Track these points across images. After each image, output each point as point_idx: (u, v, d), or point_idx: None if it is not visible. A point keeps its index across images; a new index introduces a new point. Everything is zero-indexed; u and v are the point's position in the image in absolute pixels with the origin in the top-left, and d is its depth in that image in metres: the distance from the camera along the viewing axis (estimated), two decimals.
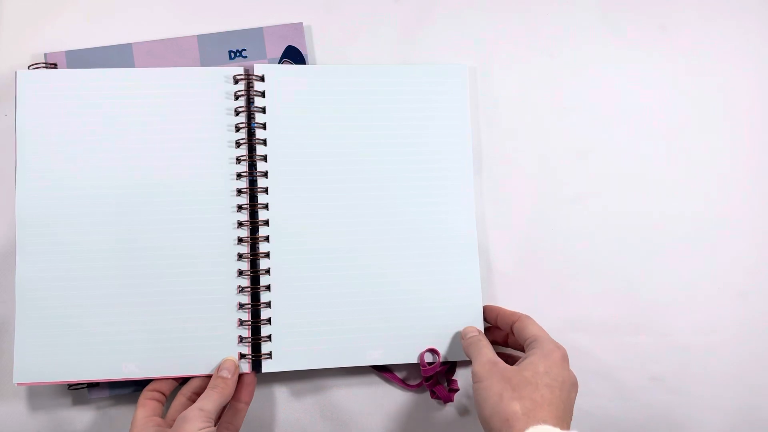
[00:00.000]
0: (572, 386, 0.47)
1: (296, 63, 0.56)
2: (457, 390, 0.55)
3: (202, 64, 0.55)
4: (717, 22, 0.60)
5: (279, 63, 0.56)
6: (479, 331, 0.53)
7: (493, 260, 0.56)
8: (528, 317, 0.52)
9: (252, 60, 0.56)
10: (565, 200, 0.58)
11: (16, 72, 0.52)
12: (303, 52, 0.56)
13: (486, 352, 0.49)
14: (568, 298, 0.57)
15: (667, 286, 0.57)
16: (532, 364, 0.47)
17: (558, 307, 0.57)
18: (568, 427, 0.44)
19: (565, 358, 0.48)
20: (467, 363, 0.55)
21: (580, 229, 0.57)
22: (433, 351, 0.53)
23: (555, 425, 0.43)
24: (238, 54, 0.56)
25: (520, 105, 0.58)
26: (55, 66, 0.54)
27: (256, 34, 0.56)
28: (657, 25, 0.59)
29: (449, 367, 0.55)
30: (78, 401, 0.54)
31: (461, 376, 0.56)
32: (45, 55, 0.54)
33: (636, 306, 0.57)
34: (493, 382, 0.46)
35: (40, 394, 0.53)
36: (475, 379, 0.47)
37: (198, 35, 0.56)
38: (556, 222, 0.57)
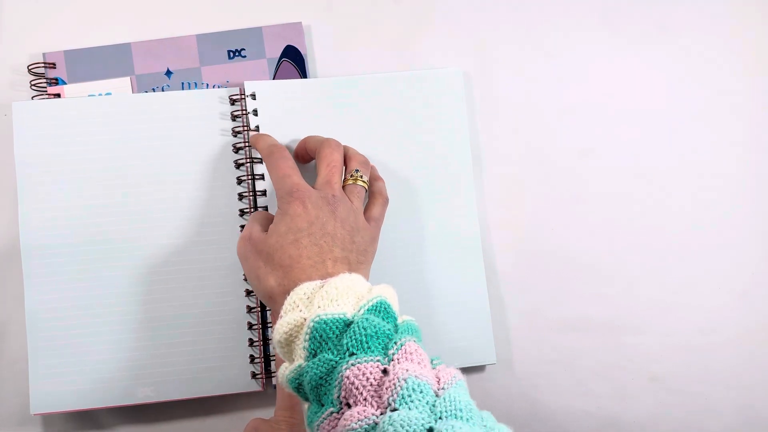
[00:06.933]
0: (327, 219, 0.44)
1: (295, 63, 0.56)
2: None
3: (201, 64, 0.55)
4: (717, 21, 0.60)
5: (278, 63, 0.56)
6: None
7: (494, 260, 0.56)
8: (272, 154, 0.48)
9: (251, 59, 0.55)
10: (566, 200, 0.57)
11: (12, 104, 0.52)
12: (302, 52, 0.56)
13: (247, 228, 0.46)
14: (568, 298, 0.57)
15: (667, 286, 0.57)
16: (274, 227, 0.44)
17: (558, 307, 0.56)
18: (337, 262, 0.42)
19: (305, 199, 0.44)
20: (473, 368, 0.55)
21: (580, 229, 0.57)
22: None
23: (311, 276, 0.41)
24: (237, 54, 0.55)
25: (520, 105, 0.58)
26: (53, 66, 0.54)
27: (255, 33, 0.56)
28: (657, 25, 0.59)
29: None
30: (93, 425, 0.53)
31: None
32: (44, 54, 0.54)
33: (636, 306, 0.57)
34: (249, 260, 0.44)
35: (56, 420, 0.53)
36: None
37: (197, 35, 0.55)
38: (557, 222, 0.57)
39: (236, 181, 0.53)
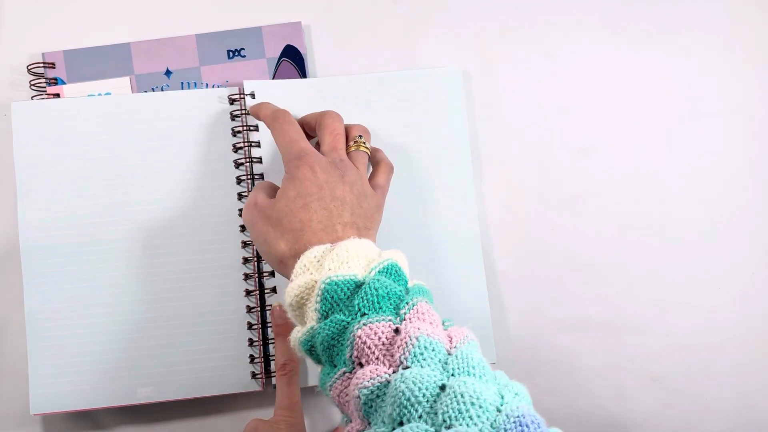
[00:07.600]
0: (336, 183, 0.43)
1: (295, 62, 0.56)
2: None
3: (201, 64, 0.55)
4: (717, 21, 0.59)
5: (278, 62, 0.56)
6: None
7: (494, 260, 0.56)
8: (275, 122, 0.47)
9: (251, 59, 0.55)
10: (565, 200, 0.57)
11: (11, 104, 0.52)
12: (302, 52, 0.56)
13: (252, 196, 0.46)
14: (568, 298, 0.57)
15: (667, 286, 0.57)
16: (282, 192, 0.43)
17: (558, 307, 0.56)
18: (347, 227, 0.42)
19: (313, 163, 0.43)
20: None
21: (580, 228, 0.57)
22: None
23: (321, 240, 0.41)
24: (236, 53, 0.55)
25: (520, 105, 0.58)
26: (53, 66, 0.54)
27: (255, 33, 0.56)
28: (657, 25, 0.59)
29: None
30: (92, 425, 0.53)
31: None
32: (43, 54, 0.54)
33: (636, 306, 0.57)
34: (257, 226, 0.44)
35: (56, 420, 0.53)
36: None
37: (196, 34, 0.55)
38: (556, 222, 0.57)
39: (236, 180, 0.53)
